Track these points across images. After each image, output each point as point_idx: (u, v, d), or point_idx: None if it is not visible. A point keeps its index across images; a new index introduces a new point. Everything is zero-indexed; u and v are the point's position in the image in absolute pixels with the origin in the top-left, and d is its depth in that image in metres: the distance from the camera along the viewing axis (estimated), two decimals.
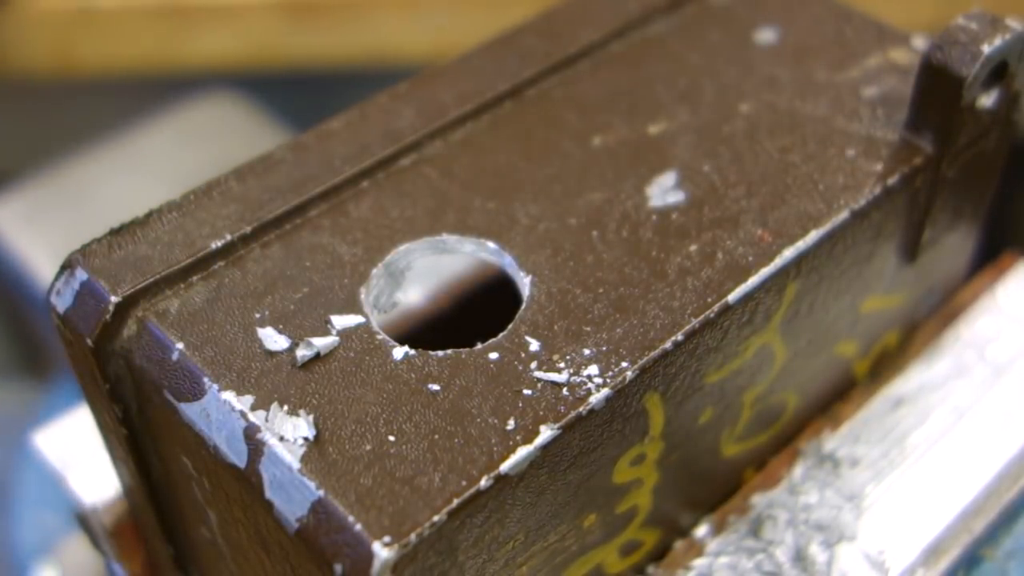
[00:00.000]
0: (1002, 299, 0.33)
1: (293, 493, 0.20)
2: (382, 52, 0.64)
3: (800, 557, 0.27)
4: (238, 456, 0.21)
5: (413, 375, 0.22)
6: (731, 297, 0.23)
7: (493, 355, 0.22)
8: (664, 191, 0.26)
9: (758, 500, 0.28)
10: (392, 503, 0.20)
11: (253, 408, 0.21)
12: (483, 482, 0.20)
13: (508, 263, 0.24)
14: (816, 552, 0.27)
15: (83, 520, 0.30)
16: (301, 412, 0.21)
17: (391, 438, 0.21)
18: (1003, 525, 0.29)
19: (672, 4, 0.31)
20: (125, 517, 0.29)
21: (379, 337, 0.23)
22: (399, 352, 0.23)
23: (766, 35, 0.30)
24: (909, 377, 0.31)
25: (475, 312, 0.31)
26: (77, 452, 0.30)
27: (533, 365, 0.22)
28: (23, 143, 0.74)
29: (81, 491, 0.29)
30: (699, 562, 0.27)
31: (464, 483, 0.20)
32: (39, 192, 0.65)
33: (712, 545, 0.27)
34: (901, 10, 0.43)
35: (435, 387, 0.22)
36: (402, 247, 0.25)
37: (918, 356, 0.31)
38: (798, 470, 0.29)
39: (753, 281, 0.24)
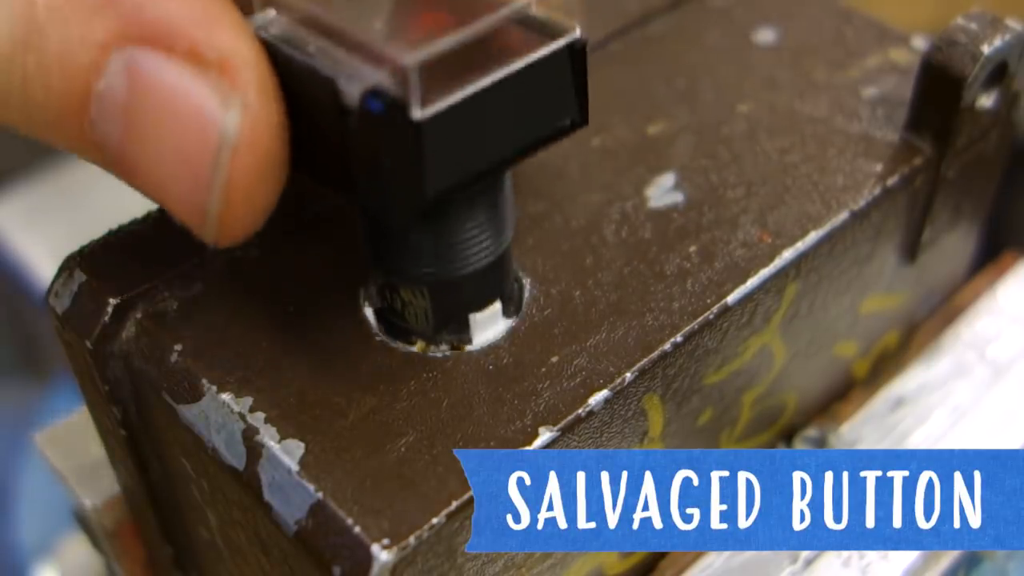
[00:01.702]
0: (1002, 299, 0.33)
1: (292, 495, 0.20)
2: None
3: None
4: (236, 458, 0.21)
5: (412, 376, 0.22)
6: (730, 298, 0.23)
7: (492, 357, 0.22)
8: (663, 192, 0.26)
9: None
10: (391, 505, 0.20)
11: (252, 410, 0.21)
12: None
13: None
14: None
15: (83, 520, 0.30)
16: (300, 414, 0.21)
17: (390, 440, 0.21)
18: None
19: (672, 4, 0.31)
20: (125, 517, 0.29)
21: (378, 338, 0.23)
22: (398, 353, 0.23)
23: (765, 35, 0.30)
24: (909, 377, 0.31)
25: None
26: (77, 452, 0.30)
27: (532, 367, 0.22)
28: (23, 143, 0.74)
29: (81, 491, 0.29)
30: (704, 562, 0.27)
31: (463, 485, 0.20)
32: (39, 192, 0.65)
33: None
34: (901, 10, 0.43)
35: (434, 388, 0.22)
36: None
37: (918, 356, 0.31)
38: None
39: (752, 282, 0.24)
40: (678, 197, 0.26)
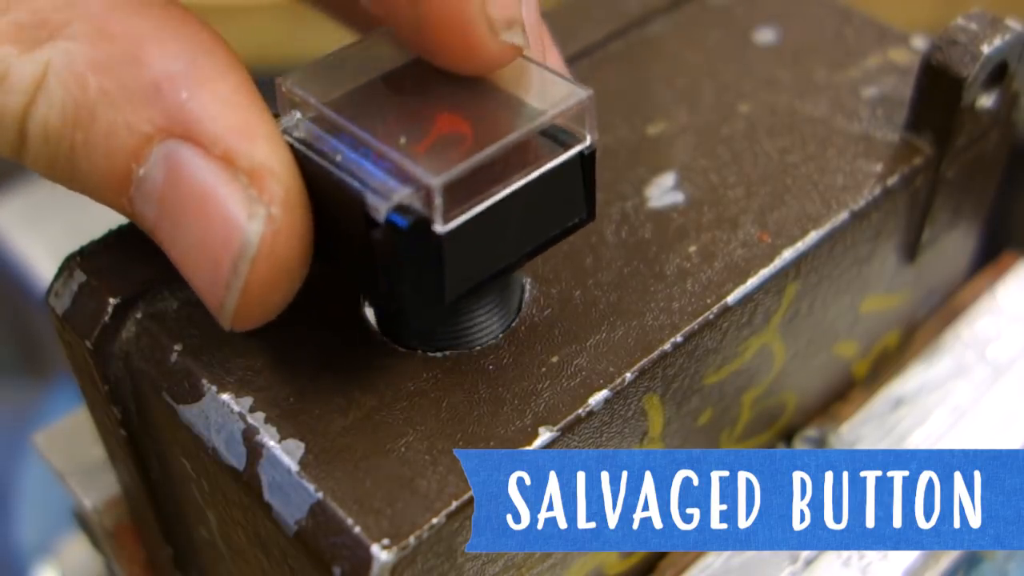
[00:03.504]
0: (1002, 299, 0.33)
1: (292, 495, 0.20)
2: None
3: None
4: (237, 458, 0.21)
5: (412, 376, 0.22)
6: (730, 298, 0.23)
7: (492, 357, 0.22)
8: (663, 192, 0.26)
9: None
10: (391, 505, 0.20)
11: (252, 410, 0.21)
12: None
13: None
14: None
15: (83, 520, 0.30)
16: (300, 414, 0.21)
17: (390, 440, 0.21)
18: None
19: (672, 4, 0.31)
20: (125, 517, 0.29)
21: (378, 338, 0.23)
22: (398, 353, 0.23)
23: (766, 35, 0.30)
24: (909, 377, 0.31)
25: None
26: (77, 452, 0.30)
27: (532, 367, 0.22)
28: None
29: (81, 491, 0.29)
30: (704, 562, 0.27)
31: (463, 485, 0.20)
32: (39, 192, 0.65)
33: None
34: (901, 10, 0.43)
35: (434, 388, 0.22)
36: None
37: (918, 356, 0.31)
38: None
39: (752, 282, 0.24)
40: (678, 197, 0.26)
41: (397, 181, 0.19)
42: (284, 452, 0.21)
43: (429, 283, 0.20)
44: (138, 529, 0.29)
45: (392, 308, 0.20)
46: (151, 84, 0.19)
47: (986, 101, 0.27)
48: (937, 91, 0.26)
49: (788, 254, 0.24)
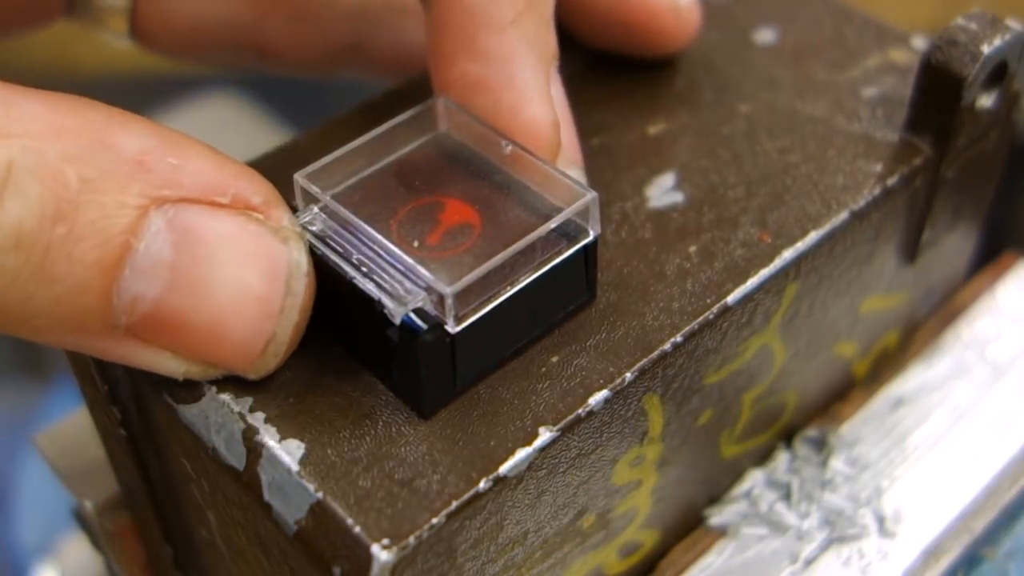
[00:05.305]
0: (1002, 299, 0.33)
1: (292, 495, 0.20)
2: None
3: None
4: (236, 458, 0.21)
5: None
6: (730, 298, 0.23)
7: None
8: (663, 192, 0.26)
9: None
10: (391, 505, 0.20)
11: (252, 410, 0.21)
12: (482, 484, 0.20)
13: None
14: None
15: (83, 520, 0.30)
16: (300, 414, 0.21)
17: (390, 440, 0.21)
18: (1003, 525, 0.29)
19: None
20: (125, 517, 0.29)
21: None
22: None
23: (765, 35, 0.30)
24: (909, 377, 0.31)
25: None
26: (77, 452, 0.30)
27: (532, 367, 0.22)
28: None
29: (81, 491, 0.29)
30: (704, 562, 0.27)
31: (463, 485, 0.20)
32: None
33: (715, 547, 0.27)
34: (901, 10, 0.43)
35: None
36: None
37: (918, 356, 0.31)
38: None
39: (752, 282, 0.24)
40: (678, 197, 0.26)
41: (411, 284, 0.20)
42: (284, 452, 0.21)
43: (442, 375, 0.21)
44: (138, 529, 0.29)
45: (404, 394, 0.21)
46: (132, 162, 0.19)
47: (986, 101, 0.27)
48: (937, 91, 0.26)
49: (788, 254, 0.24)
